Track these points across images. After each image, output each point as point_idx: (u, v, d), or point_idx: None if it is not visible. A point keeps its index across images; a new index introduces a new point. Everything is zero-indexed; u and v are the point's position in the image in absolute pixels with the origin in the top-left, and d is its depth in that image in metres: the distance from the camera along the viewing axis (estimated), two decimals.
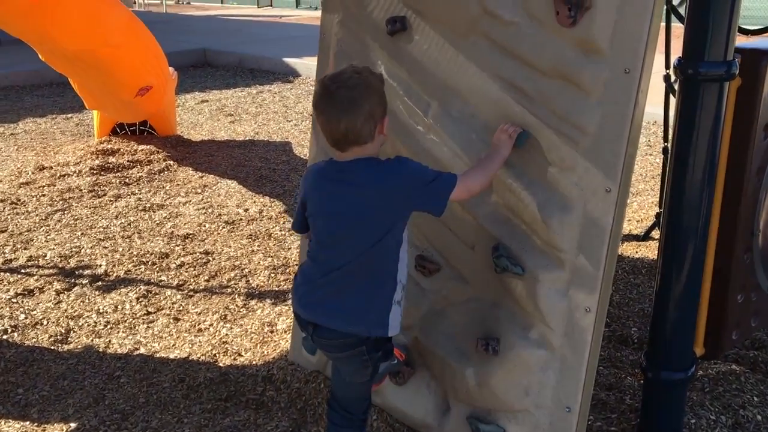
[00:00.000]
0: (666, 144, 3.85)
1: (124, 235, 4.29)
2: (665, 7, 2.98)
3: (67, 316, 3.39)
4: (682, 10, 3.58)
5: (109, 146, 5.82)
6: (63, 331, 3.26)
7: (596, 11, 1.89)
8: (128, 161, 5.57)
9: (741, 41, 2.24)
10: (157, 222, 4.49)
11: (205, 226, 4.41)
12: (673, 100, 3.70)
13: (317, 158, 2.57)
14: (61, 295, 3.59)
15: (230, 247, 4.10)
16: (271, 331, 3.19)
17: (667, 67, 3.63)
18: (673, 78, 3.50)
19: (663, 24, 3.05)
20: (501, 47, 2.10)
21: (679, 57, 2.10)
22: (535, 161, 2.07)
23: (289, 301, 3.35)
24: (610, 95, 1.91)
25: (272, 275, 3.73)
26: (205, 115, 7.40)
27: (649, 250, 3.87)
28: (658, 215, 3.98)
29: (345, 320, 1.92)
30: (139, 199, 4.89)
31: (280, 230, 4.32)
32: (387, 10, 2.42)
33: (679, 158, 2.15)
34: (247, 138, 6.49)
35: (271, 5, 21.36)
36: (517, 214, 2.13)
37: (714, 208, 2.19)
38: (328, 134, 1.88)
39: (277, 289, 3.60)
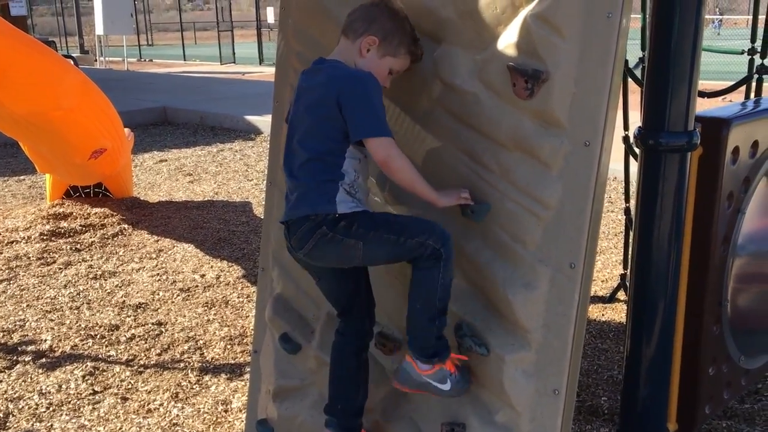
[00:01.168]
0: (627, 205, 3.83)
1: (73, 306, 4.08)
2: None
3: (6, 398, 3.16)
4: (638, 72, 3.61)
5: (62, 210, 5.63)
6: (1, 416, 3.03)
7: (553, 84, 1.84)
8: (81, 225, 5.38)
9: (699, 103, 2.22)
10: (108, 291, 4.30)
11: (158, 294, 4.23)
12: (633, 161, 3.70)
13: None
14: (2, 374, 3.36)
15: (184, 316, 3.93)
16: (226, 411, 3.01)
17: (626, 128, 3.63)
18: (632, 139, 3.50)
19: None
20: (460, 119, 2.04)
21: (639, 126, 2.06)
22: (496, 236, 1.98)
23: (246, 375, 3.18)
24: (571, 169, 1.85)
25: (228, 347, 3.56)
26: (163, 175, 7.26)
27: (616, 313, 3.80)
28: (623, 276, 3.93)
29: (296, 207, 1.97)
30: (91, 266, 4.69)
31: (238, 297, 4.17)
32: None
33: (644, 227, 2.10)
34: (206, 198, 6.35)
35: (234, 62, 21.51)
36: (480, 290, 2.03)
37: (681, 279, 2.13)
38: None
39: (233, 361, 3.43)
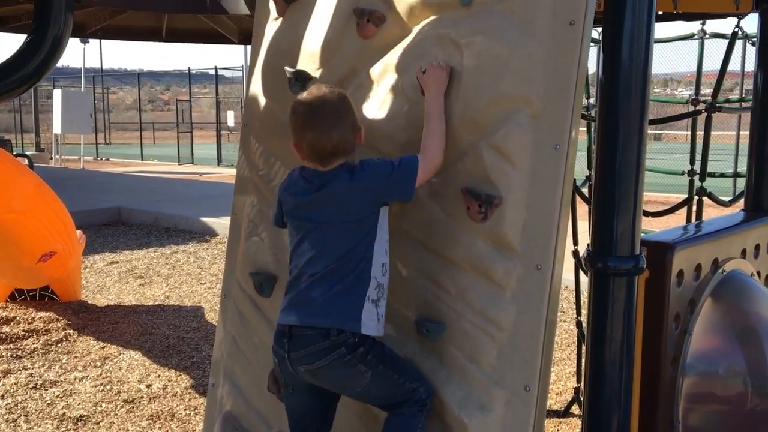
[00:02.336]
0: (579, 318, 3.89)
1: (9, 419, 3.87)
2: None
3: None
4: (585, 190, 3.76)
5: (4, 314, 5.43)
6: None
7: (506, 208, 1.91)
8: (23, 331, 5.18)
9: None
10: (48, 402, 4.10)
11: (101, 405, 4.05)
12: (582, 275, 3.79)
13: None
14: None
15: (127, 430, 3.75)
16: None
17: (575, 243, 3.74)
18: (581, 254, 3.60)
19: None
20: (417, 239, 2.08)
21: (588, 248, 2.13)
22: (452, 356, 1.99)
23: None
24: (524, 291, 1.89)
25: None
26: (114, 278, 7.11)
27: (570, 428, 3.77)
28: (576, 390, 3.93)
29: (314, 315, 1.91)
30: (31, 374, 4.48)
31: (185, 409, 4.01)
32: None
33: (595, 347, 2.13)
34: (156, 302, 6.21)
35: (193, 162, 21.64)
36: (435, 414, 2.01)
37: (633, 398, 2.15)
38: (315, 150, 1.97)
39: None
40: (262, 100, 2.55)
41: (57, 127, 17.99)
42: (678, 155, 14.10)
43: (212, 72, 22.93)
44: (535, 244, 1.88)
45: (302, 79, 2.34)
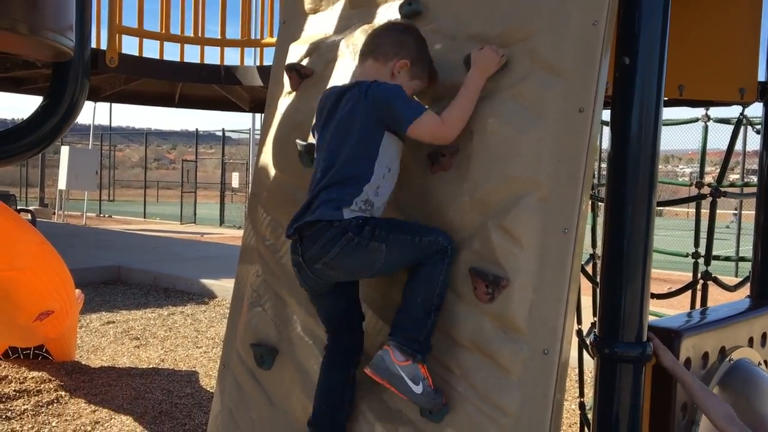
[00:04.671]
0: (582, 399, 3.82)
1: None
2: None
3: None
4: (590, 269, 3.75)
5: None
6: None
7: (513, 290, 1.90)
8: (14, 391, 5.08)
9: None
10: None
11: None
12: (586, 355, 3.74)
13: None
14: None
15: None
16: None
17: (579, 322, 3.70)
18: (585, 337, 3.57)
19: None
20: None
21: (595, 333, 2.11)
22: None
23: None
24: (530, 376, 1.86)
25: None
26: (109, 338, 7.02)
27: None
28: None
29: (313, 213, 1.99)
30: None
31: None
32: None
33: None
34: (151, 365, 6.11)
35: (195, 222, 21.71)
36: None
37: None
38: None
39: None
40: (272, 171, 2.57)
41: (62, 183, 18.13)
42: (680, 231, 14.12)
43: (219, 133, 23.26)
44: (542, 328, 1.86)
45: (313, 152, 2.37)
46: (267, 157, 2.61)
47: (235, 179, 23.44)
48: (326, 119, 2.13)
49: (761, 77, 2.90)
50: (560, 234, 1.88)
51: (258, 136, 2.45)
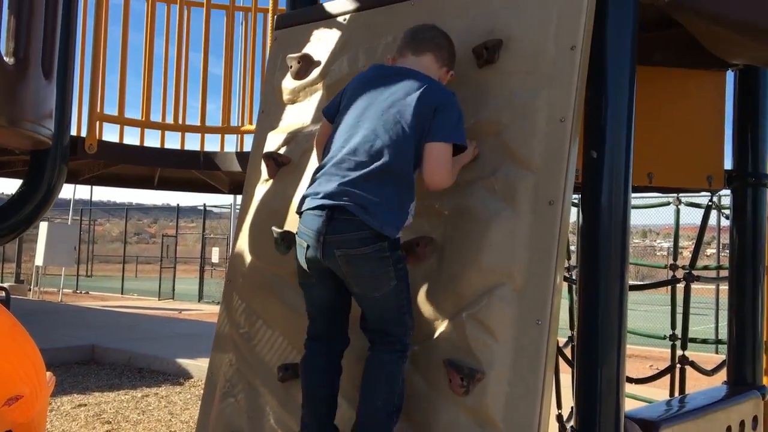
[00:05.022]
0: None
1: None
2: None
3: None
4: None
5: None
6: None
7: (488, 383, 1.89)
8: None
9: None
10: None
11: None
12: None
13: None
14: None
15: None
16: None
17: (559, 407, 3.67)
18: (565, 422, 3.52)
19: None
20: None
21: (572, 427, 2.09)
22: None
23: None
24: None
25: None
26: (80, 422, 6.80)
27: None
28: None
29: (369, 211, 1.87)
30: None
31: None
32: (281, 356, 2.36)
33: None
34: None
35: (173, 298, 21.42)
36: None
37: None
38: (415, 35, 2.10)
39: None
40: (248, 258, 2.57)
41: (39, 260, 17.91)
42: (659, 306, 14.16)
43: (201, 207, 23.29)
44: (518, 421, 1.84)
45: (288, 240, 2.38)
46: (243, 244, 2.62)
47: (215, 254, 23.32)
48: (367, 88, 2.04)
49: (727, 165, 2.99)
50: (534, 325, 1.88)
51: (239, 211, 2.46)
